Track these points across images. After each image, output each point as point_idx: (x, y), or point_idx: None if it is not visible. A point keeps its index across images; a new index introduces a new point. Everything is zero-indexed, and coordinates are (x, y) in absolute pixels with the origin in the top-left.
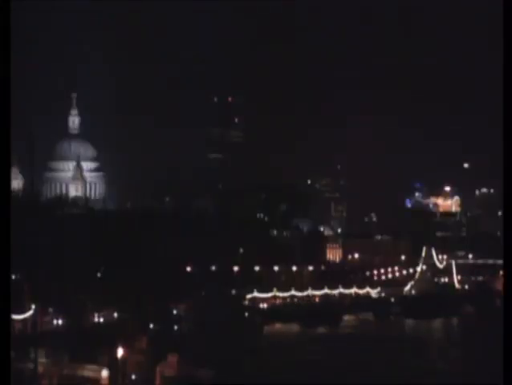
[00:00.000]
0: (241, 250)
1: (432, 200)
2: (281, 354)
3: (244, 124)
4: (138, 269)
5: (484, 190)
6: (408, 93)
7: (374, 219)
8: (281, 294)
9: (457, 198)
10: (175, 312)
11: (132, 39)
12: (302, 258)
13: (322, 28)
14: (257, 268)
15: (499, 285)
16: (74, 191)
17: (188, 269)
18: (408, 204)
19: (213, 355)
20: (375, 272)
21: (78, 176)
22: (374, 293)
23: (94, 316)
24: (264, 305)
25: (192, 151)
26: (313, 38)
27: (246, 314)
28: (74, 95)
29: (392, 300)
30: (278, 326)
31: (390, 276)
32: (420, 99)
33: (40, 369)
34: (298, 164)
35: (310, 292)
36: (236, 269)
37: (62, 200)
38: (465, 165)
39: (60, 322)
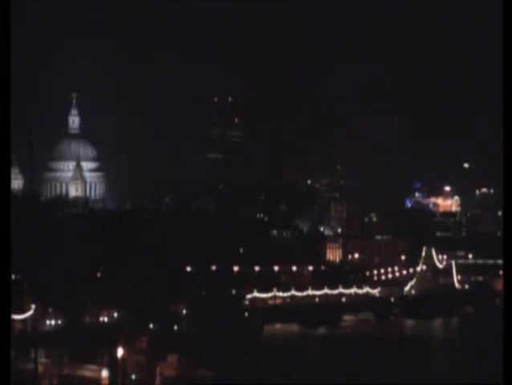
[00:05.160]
0: (241, 250)
1: (432, 200)
2: (281, 354)
3: (244, 124)
4: (138, 269)
5: (484, 190)
6: (408, 93)
7: (374, 219)
8: (281, 294)
9: (457, 198)
10: (175, 312)
11: (131, 39)
12: (302, 258)
13: (322, 28)
14: (257, 268)
15: (499, 285)
16: (74, 191)
17: (188, 269)
18: (408, 204)
19: (213, 355)
20: (375, 272)
21: (78, 176)
22: (374, 293)
23: (94, 316)
24: (264, 305)
25: (192, 151)
26: (313, 38)
27: (246, 314)
28: (74, 95)
29: (392, 300)
30: (278, 326)
31: (390, 276)
32: (420, 98)
33: (40, 369)
34: (298, 164)
35: (310, 292)
36: (236, 269)
37: (63, 200)
38: (465, 165)
39: (60, 322)
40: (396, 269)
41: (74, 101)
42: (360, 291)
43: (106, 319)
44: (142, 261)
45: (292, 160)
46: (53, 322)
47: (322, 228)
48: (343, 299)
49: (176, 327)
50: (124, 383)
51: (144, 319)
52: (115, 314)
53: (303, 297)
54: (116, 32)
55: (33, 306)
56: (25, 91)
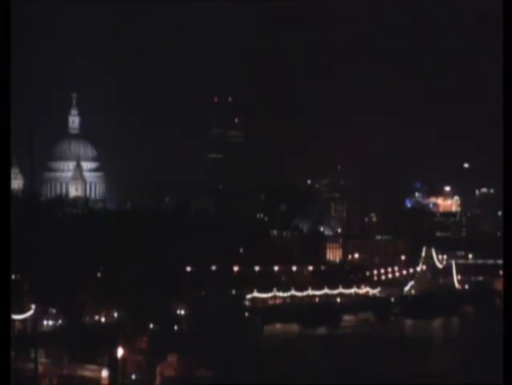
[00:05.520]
0: (241, 250)
1: (432, 200)
2: (281, 354)
3: (244, 124)
4: (138, 269)
5: (484, 190)
6: (408, 93)
7: (374, 219)
8: (281, 294)
9: (457, 198)
10: (175, 312)
11: (131, 39)
12: (302, 258)
13: (321, 28)
14: (257, 268)
15: (499, 285)
16: (74, 191)
17: (188, 269)
18: (408, 204)
19: (213, 355)
20: (375, 272)
21: (78, 176)
22: (374, 293)
23: (94, 316)
24: (264, 305)
25: (192, 151)
26: (313, 38)
27: (246, 314)
28: (74, 95)
29: (392, 300)
30: (278, 326)
31: (390, 276)
32: (420, 99)
33: (40, 369)
34: (298, 164)
35: (310, 292)
36: (236, 269)
37: (63, 200)
38: (465, 165)
39: (60, 322)
40: (396, 269)
41: (74, 101)
42: (360, 291)
43: (106, 319)
44: (142, 261)
45: (292, 160)
46: (53, 322)
47: (322, 228)
48: (343, 299)
49: (176, 327)
50: (124, 383)
51: (144, 319)
52: (115, 314)
53: (303, 297)
54: (116, 32)
55: (33, 306)
56: (25, 91)
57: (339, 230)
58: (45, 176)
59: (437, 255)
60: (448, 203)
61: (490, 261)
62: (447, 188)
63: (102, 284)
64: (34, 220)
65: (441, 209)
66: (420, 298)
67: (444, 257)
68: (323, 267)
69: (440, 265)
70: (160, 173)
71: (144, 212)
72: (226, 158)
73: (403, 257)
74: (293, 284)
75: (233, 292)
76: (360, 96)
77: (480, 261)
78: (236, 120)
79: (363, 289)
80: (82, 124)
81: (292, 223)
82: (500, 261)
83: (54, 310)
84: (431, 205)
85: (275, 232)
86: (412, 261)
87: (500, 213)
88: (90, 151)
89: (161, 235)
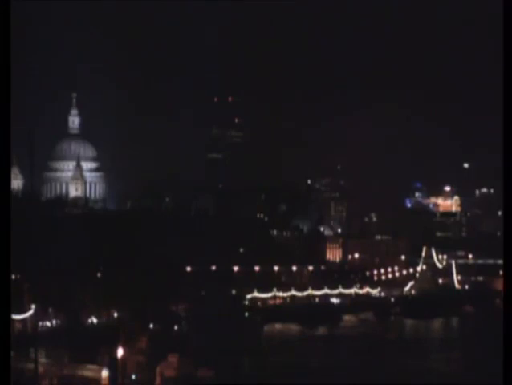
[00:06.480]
0: (241, 250)
1: (432, 200)
2: (281, 354)
3: (244, 124)
4: (138, 269)
5: (484, 190)
6: (408, 93)
7: (374, 219)
8: (281, 294)
9: (456, 198)
10: (175, 312)
11: (131, 38)
12: (302, 258)
13: (322, 27)
14: (257, 268)
15: (499, 285)
16: (74, 191)
17: (188, 269)
18: (408, 204)
19: (213, 355)
20: (375, 272)
21: (78, 176)
22: (374, 293)
23: (94, 316)
24: (264, 305)
25: (192, 151)
26: (313, 38)
27: (246, 314)
28: (74, 95)
29: (392, 300)
30: (278, 326)
31: (390, 276)
32: (420, 99)
33: (40, 369)
34: (298, 164)
35: (310, 292)
36: (236, 269)
37: (63, 200)
38: (465, 165)
39: (60, 322)
40: (396, 269)
41: (74, 101)
42: (360, 291)
43: (106, 319)
44: (142, 261)
45: (292, 160)
46: (53, 322)
47: (322, 229)
48: (343, 299)
49: (176, 327)
50: (124, 383)
51: (144, 319)
52: (115, 314)
53: (303, 297)
54: (116, 32)
55: (33, 306)
56: (25, 91)
57: (339, 230)
58: (45, 176)
59: (437, 255)
60: (448, 203)
61: (490, 261)
62: (447, 188)
63: (102, 284)
64: (34, 220)
65: (441, 209)
66: (420, 298)
67: (444, 257)
68: (322, 267)
69: (440, 265)
70: (160, 173)
71: (144, 212)
72: (226, 158)
73: (403, 257)
74: (293, 284)
75: (233, 292)
76: (360, 96)
77: (480, 261)
78: (236, 120)
79: (364, 289)
80: (82, 124)
81: (292, 223)
82: (500, 261)
83: (53, 310)
84: (431, 205)
85: (275, 232)
86: (412, 261)
87: (500, 213)
88: (90, 151)
89: (161, 235)
